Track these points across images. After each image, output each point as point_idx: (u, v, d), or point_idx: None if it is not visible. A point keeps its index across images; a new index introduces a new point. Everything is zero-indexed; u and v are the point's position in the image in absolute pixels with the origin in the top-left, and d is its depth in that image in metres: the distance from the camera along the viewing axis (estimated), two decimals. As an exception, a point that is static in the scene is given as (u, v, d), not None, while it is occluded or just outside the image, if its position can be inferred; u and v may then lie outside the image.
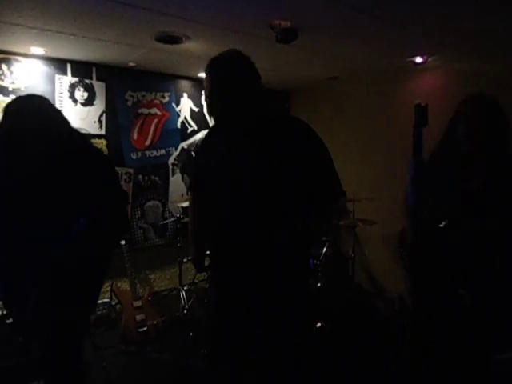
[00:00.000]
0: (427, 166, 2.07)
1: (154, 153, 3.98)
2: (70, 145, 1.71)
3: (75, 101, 3.47)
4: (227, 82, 1.58)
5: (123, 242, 3.33)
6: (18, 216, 1.67)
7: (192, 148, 4.25)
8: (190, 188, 2.12)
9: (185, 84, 4.16)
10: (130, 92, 3.78)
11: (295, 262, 1.73)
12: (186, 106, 4.20)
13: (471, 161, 1.88)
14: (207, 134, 1.98)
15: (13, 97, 3.08)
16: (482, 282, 1.96)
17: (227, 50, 1.66)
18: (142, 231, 3.95)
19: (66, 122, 1.76)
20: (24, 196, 1.65)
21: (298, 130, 1.67)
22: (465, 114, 1.86)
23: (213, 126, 2.00)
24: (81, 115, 3.48)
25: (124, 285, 3.55)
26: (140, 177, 3.89)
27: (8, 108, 1.66)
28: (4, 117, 1.64)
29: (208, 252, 1.98)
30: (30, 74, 3.21)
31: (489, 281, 1.95)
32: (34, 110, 1.66)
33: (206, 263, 2.07)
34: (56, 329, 1.70)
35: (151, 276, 4.07)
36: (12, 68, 3.12)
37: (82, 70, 3.47)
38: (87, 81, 3.52)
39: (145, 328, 3.17)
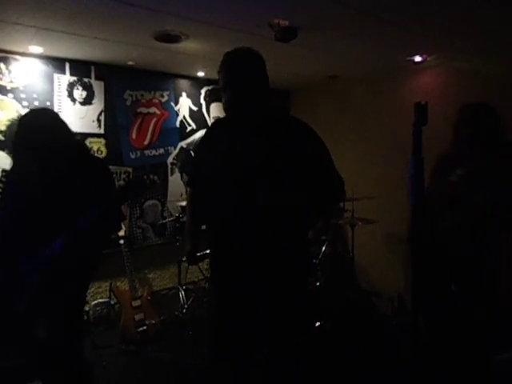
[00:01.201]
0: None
1: (153, 152, 3.98)
2: (74, 158, 1.80)
3: (74, 100, 3.46)
4: (240, 79, 1.60)
5: (122, 242, 3.32)
6: (25, 222, 1.73)
7: (191, 147, 4.24)
8: (188, 184, 2.12)
9: (184, 83, 4.15)
10: (128, 91, 3.77)
11: (296, 262, 1.74)
12: (184, 105, 4.19)
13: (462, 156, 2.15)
14: (208, 129, 1.98)
15: (11, 96, 3.13)
16: (471, 278, 2.05)
17: (242, 47, 1.68)
18: (140, 230, 3.94)
19: (71, 135, 1.87)
20: (30, 205, 1.72)
21: (300, 130, 1.69)
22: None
23: (214, 122, 2.00)
24: (79, 114, 3.47)
25: (123, 284, 3.54)
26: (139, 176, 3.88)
27: (19, 125, 1.77)
28: (16, 133, 1.76)
29: (208, 251, 1.98)
30: (28, 73, 3.20)
31: (477, 277, 2.03)
32: (42, 126, 1.76)
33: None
34: (50, 322, 1.73)
35: (150, 275, 4.06)
36: (10, 67, 3.11)
37: (80, 68, 3.46)
38: (86, 80, 3.51)
39: (144, 327, 3.16)
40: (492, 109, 2.16)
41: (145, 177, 1.87)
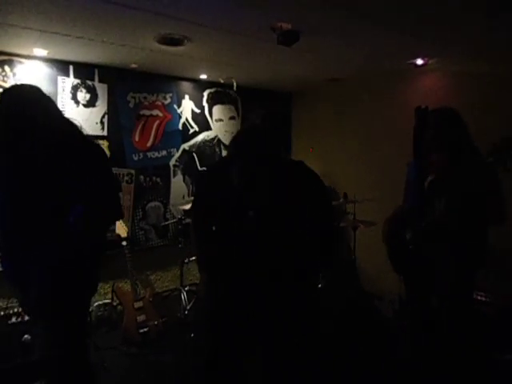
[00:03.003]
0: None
1: (156, 154, 4.00)
2: (60, 134, 1.71)
3: (77, 102, 3.49)
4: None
5: (124, 243, 3.34)
6: (17, 203, 1.68)
7: (193, 149, 4.26)
8: (191, 212, 2.14)
9: (186, 85, 4.17)
10: (131, 93, 3.79)
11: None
12: (187, 108, 4.21)
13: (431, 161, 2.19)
14: (221, 162, 2.08)
15: (15, 98, 3.12)
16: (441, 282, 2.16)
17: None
18: (143, 232, 3.95)
19: (58, 112, 1.79)
20: (17, 188, 1.67)
21: (300, 175, 1.79)
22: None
23: (230, 157, 2.04)
24: (83, 116, 3.49)
25: (125, 286, 3.55)
26: (141, 178, 3.90)
27: (1, 98, 1.70)
28: None
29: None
30: (32, 76, 3.22)
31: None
32: (26, 100, 1.68)
33: None
34: (59, 314, 1.73)
35: (152, 277, 4.07)
36: (15, 69, 3.14)
37: (84, 71, 3.49)
38: (89, 82, 3.54)
39: (146, 329, 3.17)
40: (451, 115, 2.16)
41: (158, 179, 1.87)
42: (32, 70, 3.22)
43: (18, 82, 1.84)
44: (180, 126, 4.16)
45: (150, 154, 3.95)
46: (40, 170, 1.65)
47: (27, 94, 1.72)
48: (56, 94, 3.35)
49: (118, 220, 3.18)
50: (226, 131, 4.49)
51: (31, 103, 1.68)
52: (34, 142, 1.65)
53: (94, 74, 3.55)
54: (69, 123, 1.82)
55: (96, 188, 1.70)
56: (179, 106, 4.14)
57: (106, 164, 1.90)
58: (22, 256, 1.70)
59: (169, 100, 4.05)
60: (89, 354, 1.95)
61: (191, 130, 4.26)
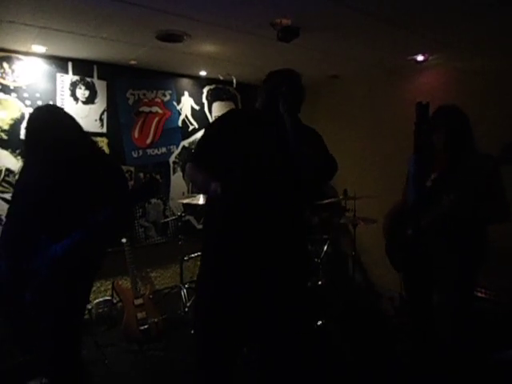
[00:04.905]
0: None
1: (155, 151, 3.99)
2: (85, 156, 1.81)
3: (76, 99, 3.48)
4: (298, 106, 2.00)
5: (124, 240, 3.33)
6: (36, 218, 1.74)
7: (193, 146, 4.25)
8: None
9: (186, 82, 4.16)
10: (131, 90, 3.78)
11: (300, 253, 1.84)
12: (186, 105, 4.20)
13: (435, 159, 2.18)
14: (231, 114, 2.09)
15: (14, 95, 3.15)
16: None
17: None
18: (143, 229, 3.95)
19: (79, 130, 1.87)
20: (42, 201, 1.73)
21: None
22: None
23: (239, 111, 2.00)
24: (82, 113, 3.48)
25: (125, 283, 3.55)
26: (141, 175, 3.89)
27: (28, 123, 1.81)
28: (26, 132, 1.82)
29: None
30: (31, 73, 3.21)
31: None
32: (48, 121, 1.79)
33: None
34: (55, 313, 1.75)
35: (152, 274, 4.08)
36: (13, 66, 3.13)
37: (83, 68, 3.48)
38: (88, 79, 3.52)
39: (146, 326, 3.17)
40: (456, 114, 2.11)
41: (158, 177, 1.87)
42: (31, 67, 3.21)
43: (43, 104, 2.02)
44: (179, 123, 4.15)
45: (149, 151, 3.94)
46: (62, 181, 1.74)
47: (53, 115, 1.84)
48: (55, 90, 3.34)
49: (127, 232, 3.29)
50: (225, 128, 4.48)
51: (57, 123, 1.80)
52: (56, 158, 1.75)
53: (92, 71, 3.54)
54: (89, 142, 1.96)
55: (113, 203, 1.74)
56: (178, 102, 4.13)
57: (124, 181, 1.98)
58: (27, 255, 1.71)
59: (168, 97, 4.04)
60: (80, 351, 1.95)
61: (191, 127, 4.25)
